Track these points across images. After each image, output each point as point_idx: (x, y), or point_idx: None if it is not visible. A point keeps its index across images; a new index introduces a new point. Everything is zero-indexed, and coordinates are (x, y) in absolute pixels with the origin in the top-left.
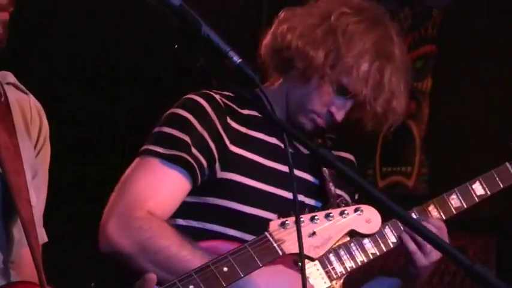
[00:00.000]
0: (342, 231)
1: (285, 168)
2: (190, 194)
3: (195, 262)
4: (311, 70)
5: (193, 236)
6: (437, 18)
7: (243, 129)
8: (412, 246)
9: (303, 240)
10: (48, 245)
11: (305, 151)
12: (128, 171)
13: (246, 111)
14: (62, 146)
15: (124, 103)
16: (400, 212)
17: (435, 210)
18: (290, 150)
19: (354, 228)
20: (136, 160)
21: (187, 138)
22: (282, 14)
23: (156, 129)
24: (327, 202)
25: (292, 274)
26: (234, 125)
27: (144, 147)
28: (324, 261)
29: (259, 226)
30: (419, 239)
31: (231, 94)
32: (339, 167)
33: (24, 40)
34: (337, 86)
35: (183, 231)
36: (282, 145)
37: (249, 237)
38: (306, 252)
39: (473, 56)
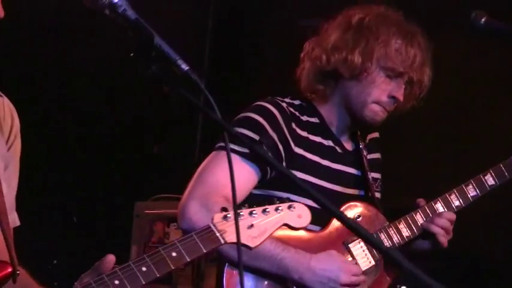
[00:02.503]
0: (277, 224)
1: (337, 166)
2: (257, 187)
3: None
4: (356, 70)
5: None
6: None
7: (304, 134)
8: (436, 229)
9: (242, 231)
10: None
11: (350, 148)
12: (204, 163)
13: (305, 118)
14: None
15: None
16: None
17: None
18: (338, 150)
19: (286, 222)
20: (212, 154)
21: (259, 139)
22: (306, 46)
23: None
24: (368, 190)
25: (342, 255)
26: (297, 130)
27: (219, 144)
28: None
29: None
30: (441, 222)
31: (294, 102)
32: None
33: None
34: (385, 71)
35: None
36: (337, 147)
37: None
38: (244, 241)
39: None
